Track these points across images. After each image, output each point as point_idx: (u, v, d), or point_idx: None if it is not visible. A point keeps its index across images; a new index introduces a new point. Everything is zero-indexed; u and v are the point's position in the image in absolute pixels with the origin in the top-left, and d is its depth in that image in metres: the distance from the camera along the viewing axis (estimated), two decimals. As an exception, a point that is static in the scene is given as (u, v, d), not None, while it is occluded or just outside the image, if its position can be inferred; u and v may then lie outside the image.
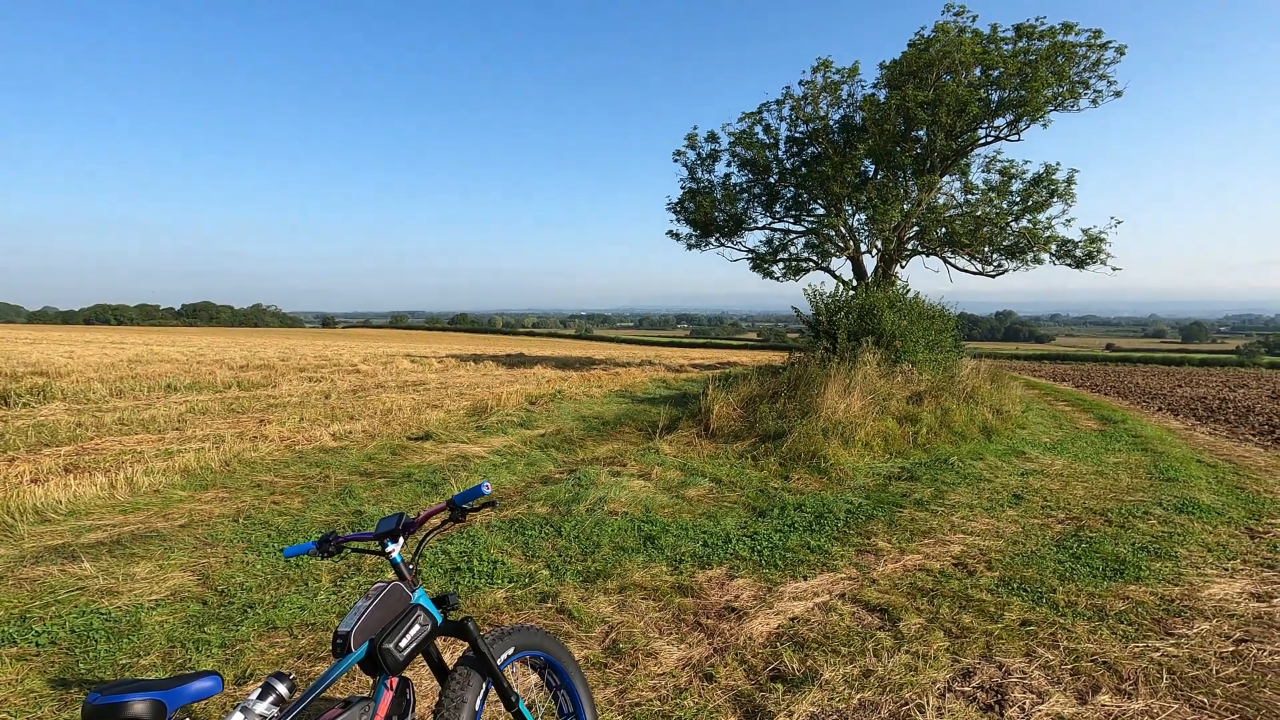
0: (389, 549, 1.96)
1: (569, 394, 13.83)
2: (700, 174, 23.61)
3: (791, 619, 3.85)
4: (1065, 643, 3.57)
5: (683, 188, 23.86)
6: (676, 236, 24.42)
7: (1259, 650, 3.53)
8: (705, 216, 22.63)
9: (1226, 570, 4.76)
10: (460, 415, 10.80)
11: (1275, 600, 4.21)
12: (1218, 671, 3.31)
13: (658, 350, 50.04)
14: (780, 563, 4.73)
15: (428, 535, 2.09)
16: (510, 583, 4.25)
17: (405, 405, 11.60)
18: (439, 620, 1.99)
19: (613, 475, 6.92)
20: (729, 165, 23.13)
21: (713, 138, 22.86)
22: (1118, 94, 18.66)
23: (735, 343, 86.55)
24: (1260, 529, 5.88)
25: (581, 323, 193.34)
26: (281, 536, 5.06)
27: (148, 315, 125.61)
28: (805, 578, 4.47)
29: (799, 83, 20.97)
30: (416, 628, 1.85)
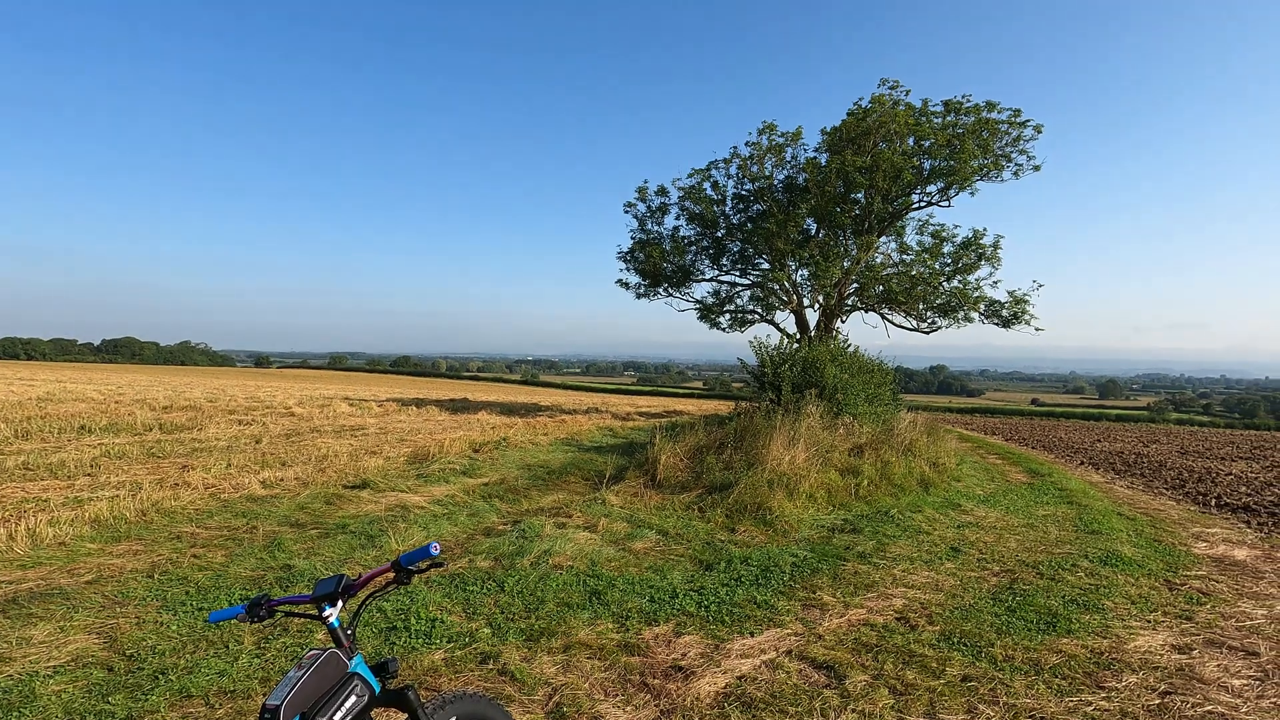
0: (326, 613, 1.85)
1: (514, 441, 13.59)
2: (650, 225, 24.13)
3: (739, 678, 3.80)
4: (1005, 698, 3.63)
5: (633, 238, 24.31)
6: (626, 285, 24.72)
7: (1183, 702, 3.67)
8: (654, 267, 23.03)
9: (1149, 622, 4.97)
10: (400, 462, 10.46)
11: (1194, 652, 4.40)
12: (1146, 724, 3.42)
13: (605, 397, 49.91)
14: (727, 618, 4.69)
15: (369, 598, 1.98)
16: (450, 642, 4.07)
17: (342, 451, 11.16)
18: (377, 689, 1.88)
19: (558, 527, 6.78)
20: (678, 218, 23.75)
21: (663, 191, 23.48)
22: (1036, 168, 20.14)
23: (682, 391, 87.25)
24: (1178, 581, 6.19)
25: (528, 368, 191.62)
26: (201, 593, 4.72)
27: (63, 350, 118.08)
28: (752, 634, 4.44)
29: (745, 143, 21.88)
30: (353, 699, 1.74)
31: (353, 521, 6.93)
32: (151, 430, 12.92)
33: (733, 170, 22.34)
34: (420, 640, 4.08)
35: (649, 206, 23.92)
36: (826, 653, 4.15)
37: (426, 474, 9.56)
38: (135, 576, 5.05)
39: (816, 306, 22.26)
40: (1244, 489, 12.83)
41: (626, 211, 24.18)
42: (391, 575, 1.93)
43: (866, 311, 22.78)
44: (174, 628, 4.13)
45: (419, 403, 25.70)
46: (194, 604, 4.52)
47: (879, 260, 22.28)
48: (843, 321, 22.28)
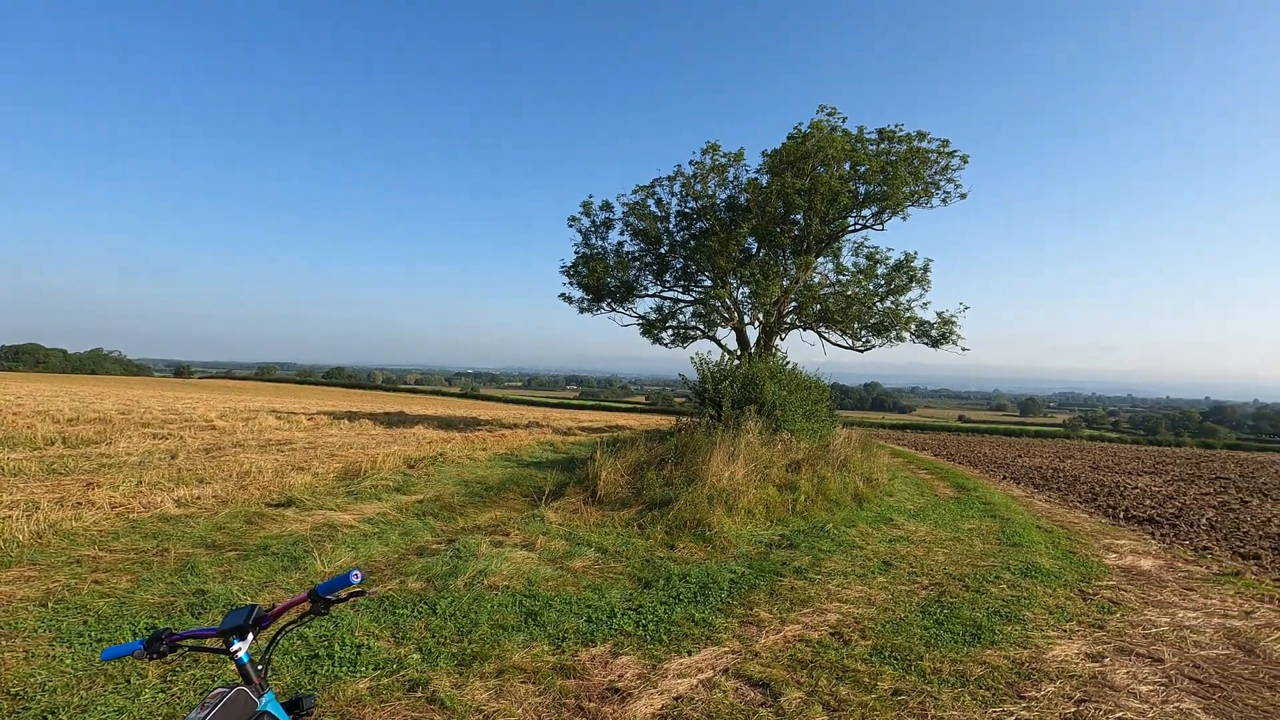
0: (235, 648, 1.72)
1: (451, 457, 13.25)
2: (594, 240, 24.16)
3: (676, 698, 3.76)
4: (933, 711, 3.72)
5: (577, 252, 24.27)
6: (569, 299, 24.61)
7: (1095, 709, 3.84)
8: (598, 281, 23.03)
9: (1065, 632, 5.20)
10: (330, 479, 10.03)
11: (1106, 660, 4.63)
12: (1063, 733, 3.55)
13: (546, 411, 49.41)
14: (665, 637, 4.66)
15: (283, 629, 1.86)
16: (376, 670, 3.89)
17: (267, 467, 10.63)
18: (290, 729, 1.76)
19: (494, 546, 6.62)
20: (622, 234, 23.88)
21: (607, 206, 23.58)
22: (963, 196, 21.18)
23: (624, 405, 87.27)
24: (1090, 591, 6.51)
25: (468, 381, 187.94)
26: (101, 623, 4.37)
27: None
28: (690, 653, 4.42)
29: (689, 162, 22.22)
30: (262, 741, 1.62)
31: (275, 542, 6.58)
32: (54, 444, 12.00)
33: (677, 188, 22.65)
34: (344, 669, 3.88)
35: (593, 221, 23.96)
36: (763, 670, 4.16)
37: (357, 491, 9.19)
38: (26, 605, 4.64)
39: (757, 324, 22.69)
40: (1149, 502, 13.68)
41: (570, 225, 24.16)
42: (308, 605, 1.82)
43: (805, 329, 23.36)
44: (68, 661, 3.81)
45: (352, 416, 24.82)
46: (93, 635, 4.18)
47: (817, 280, 22.93)
48: (782, 339, 22.79)
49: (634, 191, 23.00)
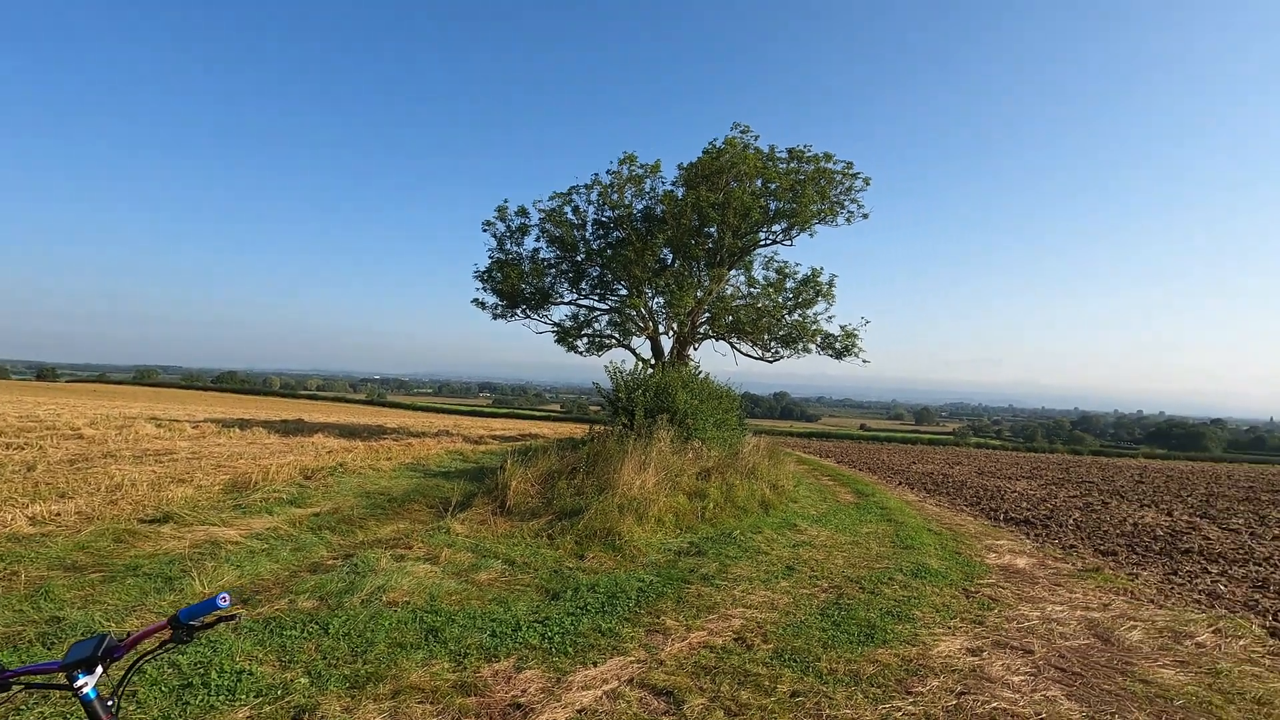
0: (80, 683, 1.55)
1: (353, 467, 12.64)
2: (509, 246, 23.81)
3: (580, 711, 3.72)
4: (828, 710, 3.86)
5: (491, 258, 23.83)
6: (482, 305, 24.12)
7: (974, 701, 4.09)
8: (512, 288, 22.70)
9: (950, 629, 5.53)
10: (215, 492, 9.33)
11: (984, 654, 4.95)
12: (945, 725, 3.77)
13: (457, 419, 48.09)
14: (571, 649, 4.60)
15: (139, 661, 1.70)
16: (258, 697, 3.63)
17: (142, 480, 9.76)
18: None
19: (396, 560, 6.35)
20: (538, 240, 23.65)
21: (523, 212, 23.31)
22: (865, 216, 22.36)
23: (539, 413, 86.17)
24: (973, 589, 6.96)
25: (374, 387, 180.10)
26: (-70, 659, 3.86)
27: None
28: (595, 664, 4.39)
29: (607, 171, 22.33)
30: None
31: (148, 562, 6.04)
32: (-120, 456, 10.56)
33: (593, 197, 22.67)
34: (221, 698, 3.60)
35: (509, 226, 23.62)
36: (667, 678, 4.19)
37: (246, 504, 8.60)
38: None
39: (671, 333, 23.01)
40: (1025, 505, 14.82)
41: (485, 230, 23.72)
42: (169, 634, 1.66)
43: (717, 340, 23.90)
44: (-116, 705, 3.33)
45: (244, 424, 23.24)
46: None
47: (729, 292, 23.55)
48: (695, 349, 23.19)
49: (550, 198, 22.88)
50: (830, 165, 21.58)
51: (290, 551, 6.72)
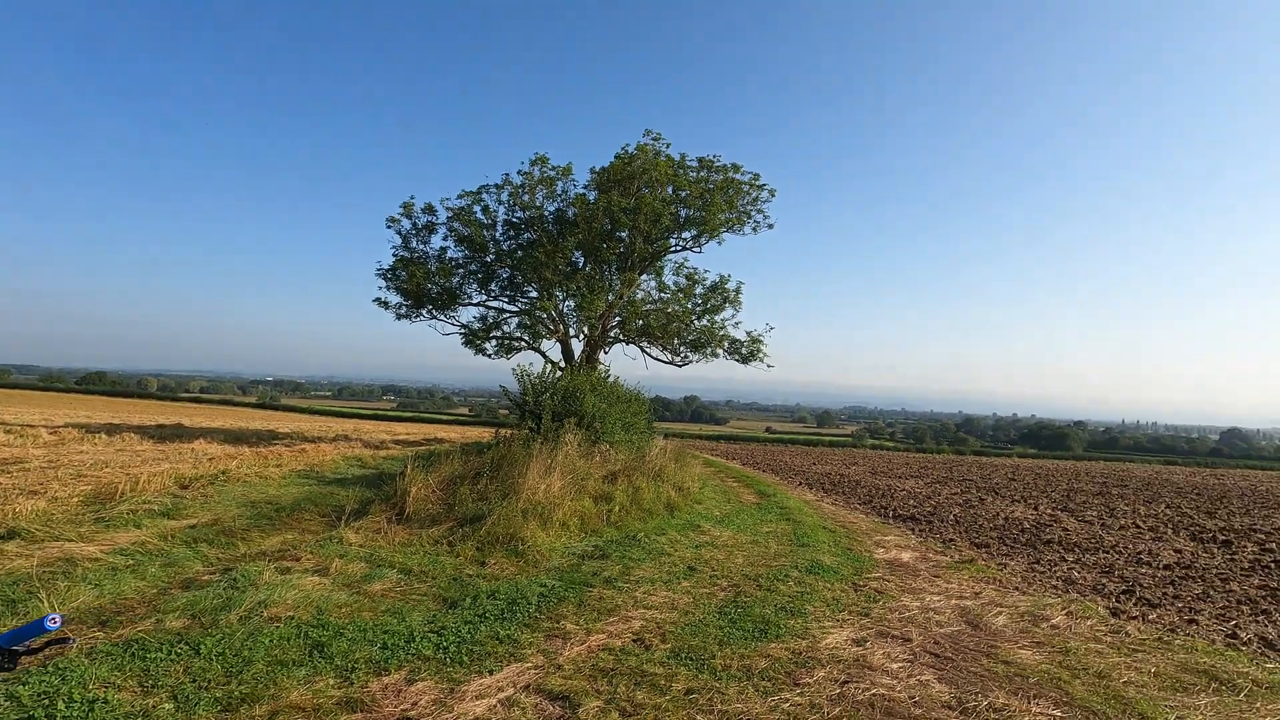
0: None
1: (238, 475, 11.81)
2: (415, 244, 23.06)
3: (472, 721, 3.65)
4: (720, 705, 3.96)
5: (395, 255, 22.99)
6: (385, 305, 23.20)
7: (856, 688, 4.32)
8: (418, 287, 21.97)
9: (838, 621, 5.82)
10: (73, 504, 8.47)
11: (868, 644, 5.24)
12: (828, 712, 3.96)
13: (358, 423, 46.00)
14: (467, 658, 4.50)
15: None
16: (113, 727, 3.33)
17: (-16, 492, 8.73)
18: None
19: (281, 573, 5.99)
20: (446, 239, 23.04)
21: (430, 210, 22.63)
22: (770, 226, 23.20)
23: (446, 417, 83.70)
24: (861, 583, 7.35)
25: (266, 389, 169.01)
26: None
27: None
28: (491, 672, 4.31)
29: (518, 172, 22.05)
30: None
31: (-13, 583, 5.42)
32: None
33: (504, 197, 22.33)
34: (70, 729, 3.28)
35: (415, 224, 22.88)
36: (564, 683, 4.18)
37: (110, 517, 7.85)
38: None
39: (582, 337, 22.98)
40: (912, 502, 15.80)
41: (389, 227, 22.86)
42: (-13, 661, 1.50)
43: (627, 344, 24.08)
44: None
45: (112, 429, 21.26)
46: None
47: (640, 296, 23.80)
48: (606, 352, 23.27)
49: (459, 196, 22.34)
50: (738, 176, 22.25)
51: (160, 567, 6.20)
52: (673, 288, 23.99)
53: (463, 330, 23.73)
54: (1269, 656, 5.71)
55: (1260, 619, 6.93)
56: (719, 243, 22.80)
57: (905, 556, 9.06)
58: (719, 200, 21.46)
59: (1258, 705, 4.37)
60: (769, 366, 23.86)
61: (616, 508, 9.78)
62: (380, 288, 23.01)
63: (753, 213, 22.82)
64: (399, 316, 23.34)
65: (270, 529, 8.13)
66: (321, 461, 15.27)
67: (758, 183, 22.48)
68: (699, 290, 23.67)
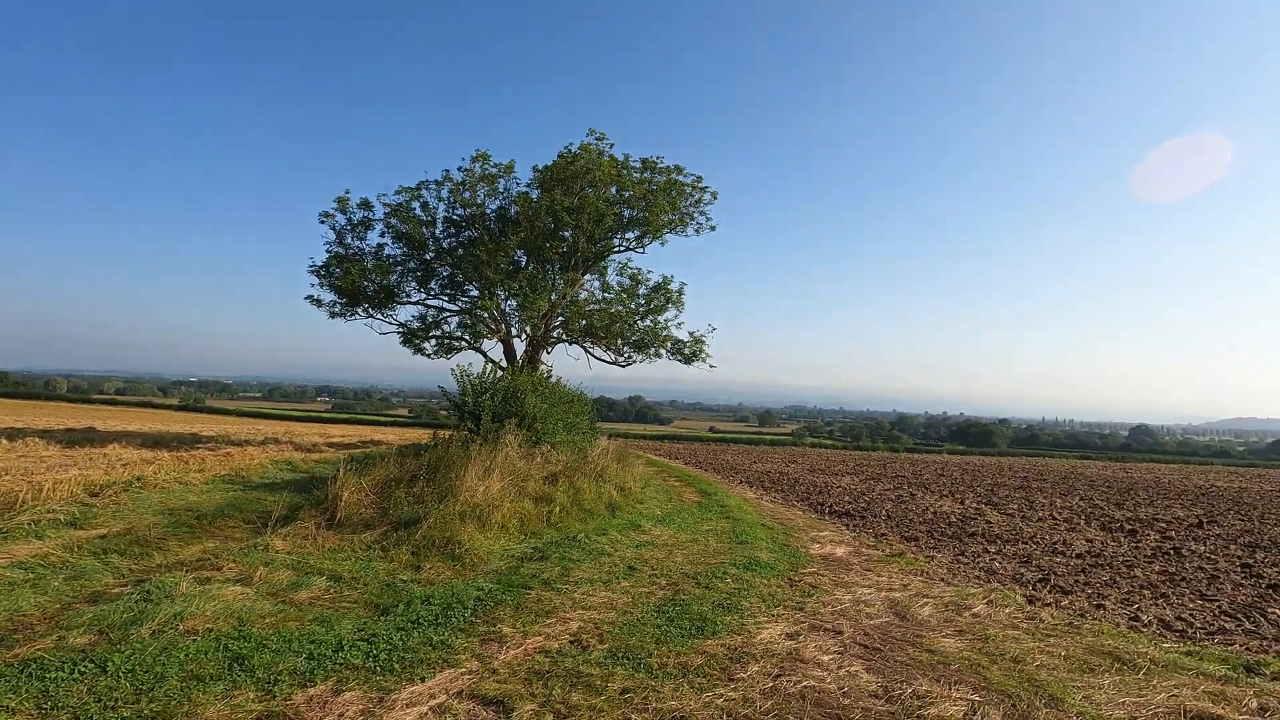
0: None
1: (154, 481, 11.17)
2: (351, 240, 22.32)
3: (402, 730, 3.56)
4: (654, 704, 3.99)
5: (329, 251, 22.18)
6: (318, 303, 22.37)
7: (788, 681, 4.42)
8: (353, 285, 21.25)
9: (773, 616, 5.94)
10: (-34, 515, 7.85)
11: (801, 638, 5.37)
12: (760, 705, 4.04)
13: (290, 426, 44.21)
14: (398, 666, 4.39)
15: None
16: (5, 754, 3.11)
17: None
18: None
19: (200, 583, 5.71)
20: (383, 235, 22.39)
21: (366, 205, 21.95)
22: (713, 228, 23.48)
23: (384, 419, 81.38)
24: (797, 578, 7.52)
25: (190, 391, 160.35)
26: None
27: None
28: (423, 679, 4.22)
29: (459, 169, 21.63)
30: None
31: None
32: None
33: (444, 194, 21.86)
34: (-46, 758, 3.04)
35: (350, 219, 22.13)
36: (499, 687, 4.12)
37: (7, 528, 7.31)
38: None
39: (524, 337, 22.72)
40: (847, 498, 16.28)
41: (323, 222, 22.04)
42: None
43: (571, 344, 23.94)
44: None
45: (13, 434, 19.82)
46: None
47: (583, 296, 23.69)
48: (548, 352, 23.07)
49: (397, 192, 21.73)
50: (681, 178, 22.41)
51: (64, 581, 5.81)
52: (616, 288, 23.98)
53: (401, 329, 23.12)
54: (1166, 637, 6.14)
55: (1159, 602, 7.44)
56: (662, 244, 22.95)
57: (839, 551, 9.32)
58: (662, 201, 21.58)
59: (1154, 683, 4.69)
60: (711, 367, 24.15)
61: (557, 509, 9.72)
62: (313, 285, 22.20)
63: (695, 214, 23.05)
64: (333, 315, 22.56)
65: (190, 538, 7.72)
66: (248, 466, 14.61)
67: (700, 185, 22.73)
68: (642, 291, 23.74)
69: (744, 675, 4.49)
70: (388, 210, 21.80)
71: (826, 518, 13.02)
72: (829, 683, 4.44)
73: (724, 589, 6.79)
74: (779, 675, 4.51)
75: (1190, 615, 6.95)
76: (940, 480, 23.23)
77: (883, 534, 11.21)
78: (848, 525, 12.11)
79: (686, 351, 23.76)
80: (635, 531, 9.67)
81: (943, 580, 7.85)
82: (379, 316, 22.85)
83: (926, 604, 6.56)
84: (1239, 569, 9.44)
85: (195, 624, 4.81)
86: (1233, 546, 11.35)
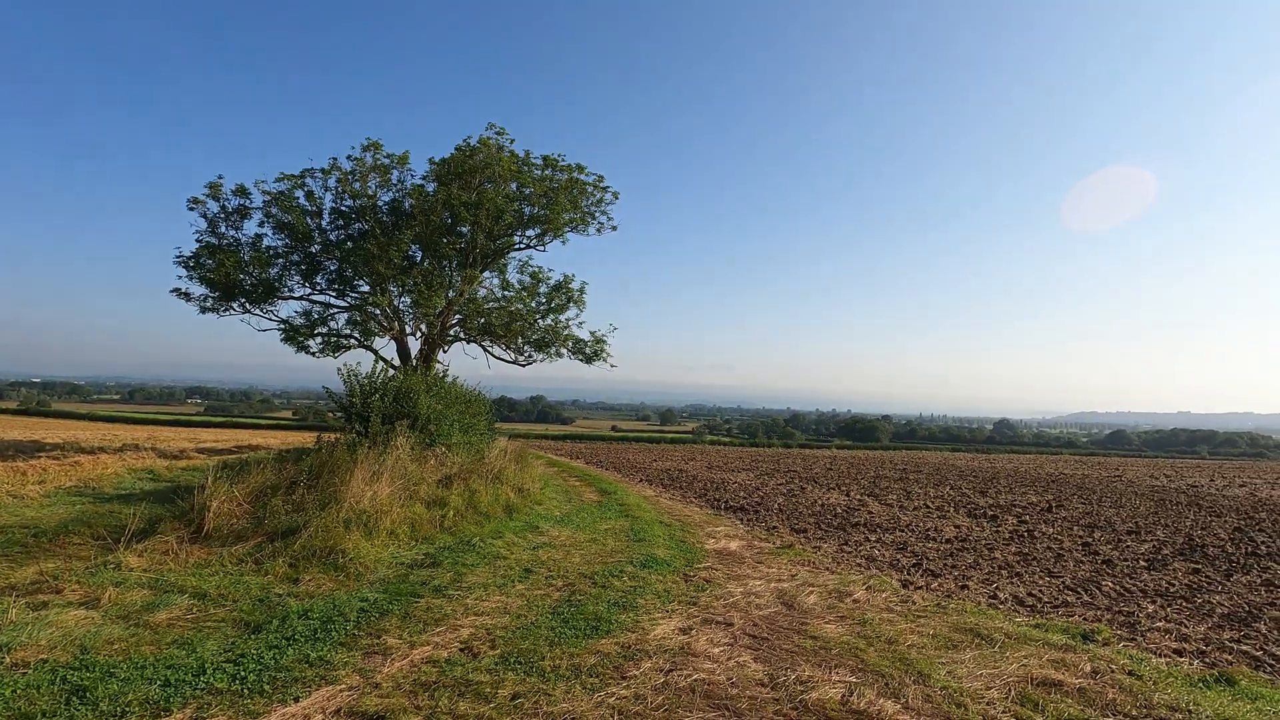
0: None
1: (-17, 495, 9.88)
2: (225, 229, 20.64)
3: (270, 756, 3.32)
4: (546, 707, 3.93)
5: (199, 241, 20.42)
6: (186, 296, 20.54)
7: (679, 675, 4.49)
8: (227, 278, 19.65)
9: (668, 612, 6.02)
10: None
11: (694, 632, 5.48)
12: (651, 701, 4.08)
13: (154, 431, 40.42)
14: (269, 687, 4.09)
15: None
16: None
17: None
18: None
19: (34, 609, 5.10)
20: (262, 226, 20.87)
21: (242, 191, 20.37)
22: (614, 228, 23.55)
23: (265, 422, 75.99)
24: (692, 573, 7.67)
25: (32, 393, 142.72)
26: None
27: None
28: (297, 699, 3.95)
29: (348, 157, 20.52)
30: None
31: None
32: None
33: (331, 183, 20.66)
34: None
35: (224, 207, 20.47)
36: (381, 702, 3.93)
37: None
38: None
39: (419, 335, 21.89)
40: (742, 494, 16.80)
41: (192, 209, 20.26)
42: None
43: (468, 342, 23.32)
44: None
45: None
46: None
47: (482, 294, 23.12)
48: (445, 351, 22.35)
49: (278, 179, 20.31)
50: (583, 177, 22.33)
51: None
52: (516, 286, 23.57)
53: (283, 326, 21.66)
54: (1019, 612, 6.76)
55: (1014, 581, 8.18)
56: (563, 242, 22.78)
57: (733, 545, 9.60)
58: (563, 200, 21.42)
59: (1007, 654, 5.14)
60: (612, 366, 24.23)
61: (451, 512, 9.42)
62: (180, 277, 20.38)
63: (597, 214, 23.04)
64: (204, 310, 20.79)
65: (24, 558, 6.87)
66: (100, 476, 13.24)
67: (602, 185, 22.74)
68: (543, 289, 23.46)
69: (636, 672, 4.52)
70: (267, 199, 20.35)
71: (723, 513, 13.38)
72: (718, 674, 4.55)
73: (620, 587, 6.82)
74: (671, 670, 4.58)
75: (1039, 591, 7.68)
76: (829, 474, 24.47)
77: (774, 527, 11.65)
78: (742, 520, 12.50)
79: (588, 351, 23.72)
80: (533, 533, 9.53)
81: (828, 569, 8.26)
82: (258, 312, 21.30)
83: (812, 592, 6.88)
84: (1080, 548, 10.55)
85: (26, 655, 4.27)
86: (1076, 528, 12.67)
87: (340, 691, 4.08)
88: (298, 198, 20.47)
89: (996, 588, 7.75)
